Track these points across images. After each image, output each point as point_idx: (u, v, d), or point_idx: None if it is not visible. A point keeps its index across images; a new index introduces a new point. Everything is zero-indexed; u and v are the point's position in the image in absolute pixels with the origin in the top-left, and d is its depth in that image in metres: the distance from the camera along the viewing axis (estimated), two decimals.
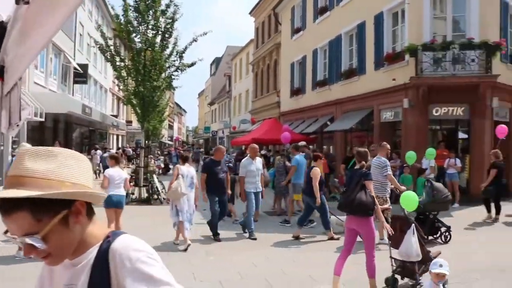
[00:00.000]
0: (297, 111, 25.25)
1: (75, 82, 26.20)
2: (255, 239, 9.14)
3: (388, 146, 9.47)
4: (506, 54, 15.07)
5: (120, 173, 8.31)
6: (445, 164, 13.71)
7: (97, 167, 23.57)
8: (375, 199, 5.94)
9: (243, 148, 25.32)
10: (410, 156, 12.45)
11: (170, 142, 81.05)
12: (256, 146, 10.11)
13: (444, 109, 14.68)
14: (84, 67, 26.17)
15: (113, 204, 8.02)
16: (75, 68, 25.28)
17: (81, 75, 26.04)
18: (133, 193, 14.76)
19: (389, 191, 8.72)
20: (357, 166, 6.35)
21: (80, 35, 28.08)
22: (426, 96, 14.34)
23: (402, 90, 15.23)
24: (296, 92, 25.68)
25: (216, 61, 65.22)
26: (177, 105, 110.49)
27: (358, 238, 6.04)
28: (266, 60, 32.69)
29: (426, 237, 8.22)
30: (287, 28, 27.39)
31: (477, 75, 13.80)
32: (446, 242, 8.93)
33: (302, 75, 24.89)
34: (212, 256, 7.79)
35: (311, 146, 21.49)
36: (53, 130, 23.33)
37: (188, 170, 8.82)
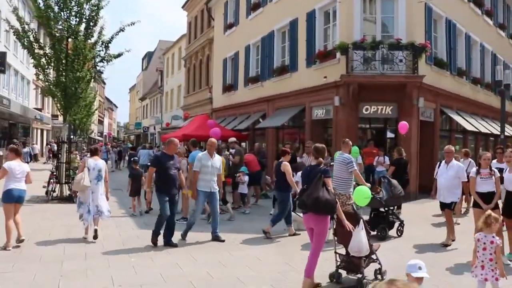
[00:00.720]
0: (230, 108, 24.89)
1: None
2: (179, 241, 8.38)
3: (351, 142, 9.87)
4: (431, 56, 15.55)
5: (22, 166, 8.00)
6: (374, 162, 13.89)
7: None
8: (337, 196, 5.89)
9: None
10: (354, 151, 12.28)
11: (100, 138, 78.08)
12: (215, 141, 9.11)
13: (374, 108, 14.91)
14: (2, 55, 24.29)
15: (13, 199, 7.76)
16: None
17: None
18: (54, 191, 13.79)
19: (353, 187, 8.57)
20: (313, 162, 6.10)
21: (9, 25, 26.12)
22: (356, 94, 14.46)
23: (333, 88, 15.30)
24: (229, 88, 25.30)
25: (148, 56, 63.61)
26: (108, 100, 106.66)
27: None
28: (198, 56, 32.04)
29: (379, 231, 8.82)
30: (220, 23, 26.93)
31: (405, 75, 14.11)
32: (400, 235, 9.25)
33: (235, 71, 24.56)
34: (134, 258, 7.23)
35: (243, 143, 21.30)
36: None
37: (96, 163, 8.75)
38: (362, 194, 7.45)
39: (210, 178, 8.64)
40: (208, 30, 29.84)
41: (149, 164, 11.91)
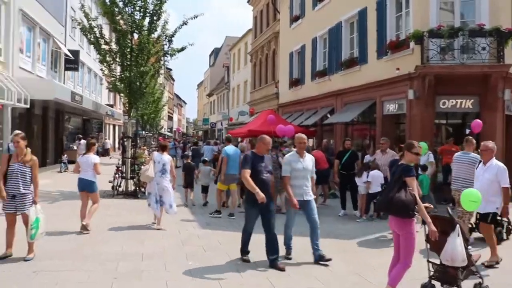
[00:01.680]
0: (296, 103, 24.30)
1: (66, 69, 25.23)
2: (290, 258, 7.17)
3: (474, 141, 8.67)
4: None
5: (88, 158, 8.92)
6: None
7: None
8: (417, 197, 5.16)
9: (239, 140, 24.42)
10: (424, 147, 11.34)
11: (169, 134, 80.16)
12: (304, 136, 7.36)
13: (452, 102, 13.70)
14: (75, 53, 25.18)
15: (79, 188, 8.87)
16: (65, 54, 24.29)
17: (72, 62, 25.07)
18: (119, 186, 13.95)
19: None
20: (403, 161, 5.45)
21: (72, 20, 27.05)
22: (432, 87, 13.35)
23: (406, 81, 14.25)
24: (295, 82, 24.68)
25: (215, 52, 64.23)
26: (177, 96, 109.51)
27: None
28: (264, 50, 31.65)
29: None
30: (286, 16, 26.34)
31: (488, 64, 12.80)
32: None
33: (301, 65, 23.89)
34: (192, 261, 6.87)
35: (310, 140, 20.62)
36: (42, 118, 22.36)
37: (161, 157, 9.48)
38: (469, 197, 6.14)
39: (302, 183, 6.98)
40: (273, 23, 29.36)
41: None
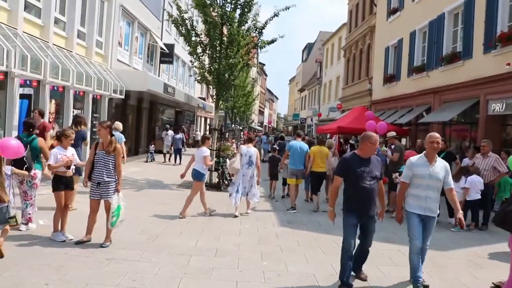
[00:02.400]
0: (390, 100, 23.06)
1: (161, 62, 26.10)
2: None
3: None
4: None
5: (199, 151, 9.59)
6: None
7: (168, 149, 22.49)
8: None
9: (328, 136, 23.81)
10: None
11: (260, 128, 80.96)
12: (437, 135, 5.81)
13: None
14: (170, 47, 25.96)
15: (192, 177, 9.59)
16: (161, 48, 25.13)
17: (167, 55, 25.89)
18: None
19: None
20: None
21: (165, 12, 28.02)
22: None
23: None
24: (390, 79, 23.43)
25: (308, 47, 63.59)
26: (269, 91, 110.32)
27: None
28: (358, 45, 30.50)
29: None
30: (383, 9, 25.07)
31: None
32: None
33: (397, 60, 22.59)
34: (266, 262, 6.49)
35: (403, 139, 19.48)
36: (137, 109, 23.31)
37: (248, 149, 10.00)
38: None
39: (425, 194, 5.62)
40: (369, 17, 28.15)
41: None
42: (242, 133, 42.06)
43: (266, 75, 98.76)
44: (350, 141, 24.56)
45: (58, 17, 14.29)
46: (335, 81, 39.96)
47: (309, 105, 54.47)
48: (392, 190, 11.24)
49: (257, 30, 14.16)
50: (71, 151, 6.96)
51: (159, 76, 25.30)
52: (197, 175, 9.44)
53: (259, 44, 14.26)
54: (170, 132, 22.45)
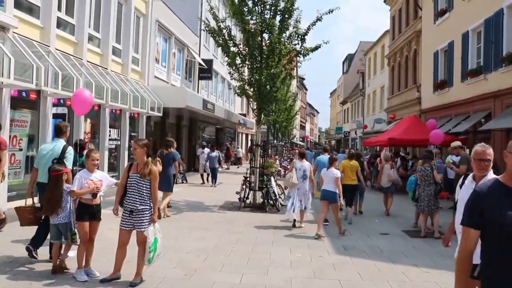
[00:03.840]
0: (442, 108, 21.52)
1: (200, 78, 25.60)
2: None
3: None
4: None
5: (332, 172, 9.70)
6: None
7: (204, 169, 20.24)
8: None
9: (377, 149, 22.46)
10: None
11: (301, 143, 79.75)
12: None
13: None
14: (209, 62, 25.47)
15: (322, 197, 9.77)
16: (199, 64, 24.63)
17: (206, 71, 25.37)
18: (247, 197, 13.06)
19: None
20: None
21: (206, 25, 27.62)
22: None
23: None
24: (441, 85, 21.91)
25: (349, 58, 62.26)
26: (309, 105, 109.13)
27: None
28: (404, 52, 29.06)
29: None
30: (429, 11, 23.66)
31: None
32: None
33: (449, 64, 21.08)
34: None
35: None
36: (176, 126, 22.76)
37: (302, 164, 10.49)
38: None
39: None
40: (414, 22, 26.74)
41: None
42: (284, 149, 41.17)
43: (306, 89, 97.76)
44: (401, 153, 23.14)
45: (92, 33, 13.91)
46: (379, 91, 38.45)
47: (353, 117, 52.90)
48: None
49: (299, 36, 13.23)
50: (99, 175, 6.10)
51: (198, 92, 24.79)
52: (332, 196, 9.49)
53: (302, 52, 13.27)
54: (207, 150, 20.41)
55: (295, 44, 13.54)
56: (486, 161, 4.04)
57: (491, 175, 3.89)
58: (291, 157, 31.36)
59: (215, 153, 19.87)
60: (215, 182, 19.09)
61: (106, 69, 14.36)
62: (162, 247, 5.87)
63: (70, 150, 6.49)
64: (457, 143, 10.75)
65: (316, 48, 13.30)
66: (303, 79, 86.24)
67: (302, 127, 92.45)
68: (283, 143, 43.83)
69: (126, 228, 5.70)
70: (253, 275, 6.37)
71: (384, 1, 33.36)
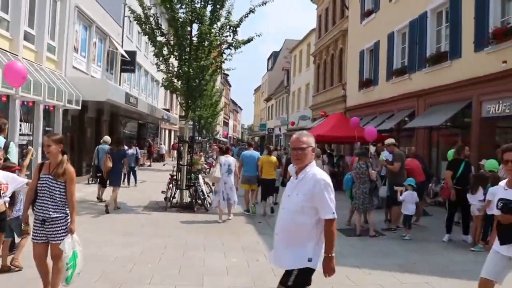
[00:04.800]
0: (367, 106, 21.96)
1: (122, 70, 24.16)
2: None
3: None
4: None
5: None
6: None
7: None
8: None
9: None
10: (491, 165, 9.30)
11: (225, 139, 79.30)
12: None
13: None
14: (132, 54, 24.12)
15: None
16: (122, 55, 23.25)
17: (129, 63, 23.98)
18: (173, 197, 12.26)
19: None
20: None
21: (130, 21, 26.11)
22: None
23: None
24: (366, 83, 22.38)
25: (274, 55, 62.64)
26: (233, 102, 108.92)
27: None
28: (330, 50, 29.47)
29: None
30: (356, 11, 24.08)
31: None
32: None
33: (374, 64, 21.55)
34: None
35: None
36: (96, 121, 21.26)
37: (226, 159, 10.84)
38: None
39: None
40: (341, 21, 27.15)
41: None
42: (208, 145, 40.42)
43: (230, 86, 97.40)
44: (327, 150, 23.40)
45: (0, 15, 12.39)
46: (304, 89, 38.90)
47: (277, 114, 53.27)
48: (394, 205, 9.91)
49: (231, 28, 12.66)
50: (2, 176, 5.11)
51: (120, 85, 23.38)
52: None
53: (233, 44, 12.70)
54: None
55: (226, 36, 12.94)
56: (300, 150, 3.62)
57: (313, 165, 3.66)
58: (216, 154, 30.83)
59: (132, 150, 17.69)
60: (135, 182, 17.39)
61: (16, 55, 12.85)
62: (83, 261, 4.90)
63: (12, 146, 6.09)
64: (391, 140, 10.71)
65: (249, 40, 12.81)
66: (227, 75, 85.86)
67: (226, 124, 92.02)
68: (207, 140, 43.03)
69: (39, 241, 4.69)
70: (187, 286, 5.73)
71: (311, 0, 33.65)
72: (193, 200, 12.05)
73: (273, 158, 12.22)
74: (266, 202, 11.91)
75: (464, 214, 8.78)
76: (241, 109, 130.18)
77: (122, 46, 23.91)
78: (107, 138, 14.14)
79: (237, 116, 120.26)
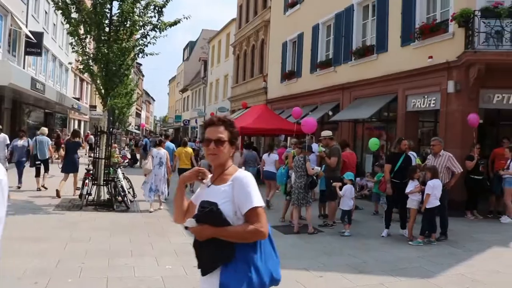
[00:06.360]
0: (290, 98, 21.76)
1: (26, 53, 21.82)
2: None
3: None
4: None
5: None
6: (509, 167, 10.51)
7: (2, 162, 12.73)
8: None
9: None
10: (374, 143, 12.12)
11: (137, 131, 76.35)
12: None
13: (498, 96, 11.50)
14: (38, 36, 21.86)
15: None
16: (26, 36, 20.98)
17: (34, 45, 21.69)
18: (89, 194, 10.95)
19: None
20: None
21: None
22: (479, 79, 11.08)
23: (443, 71, 11.98)
24: (289, 75, 22.18)
25: (190, 45, 61.13)
26: (146, 92, 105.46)
27: None
28: (251, 41, 29.01)
29: None
30: (279, 2, 23.79)
31: None
32: None
33: (297, 56, 21.38)
34: None
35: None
36: None
37: (158, 152, 11.00)
38: None
39: None
40: (263, 11, 26.76)
41: None
42: (122, 137, 38.41)
43: (143, 75, 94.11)
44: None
45: None
46: (223, 80, 38.19)
47: (193, 106, 52.03)
48: (331, 200, 9.58)
49: (156, 8, 11.61)
50: None
51: (24, 69, 21.13)
52: (272, 177, 11.59)
53: (159, 26, 11.66)
54: (3, 136, 13.13)
55: (150, 17, 11.85)
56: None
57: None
58: (133, 147, 29.24)
59: (23, 142, 13.45)
60: (19, 181, 13.19)
61: None
62: None
63: None
64: (327, 132, 10.34)
65: (176, 23, 11.82)
66: (140, 64, 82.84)
67: (138, 115, 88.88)
68: (120, 131, 40.83)
69: None
70: None
71: None
72: (113, 198, 10.89)
73: (189, 149, 13.27)
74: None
75: (402, 208, 8.62)
76: (154, 100, 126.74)
77: (26, 26, 21.63)
78: (44, 130, 14.28)
79: (149, 107, 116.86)
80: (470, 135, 11.22)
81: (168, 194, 11.53)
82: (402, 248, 7.73)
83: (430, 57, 12.34)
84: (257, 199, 2.47)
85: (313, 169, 9.02)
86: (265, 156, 12.68)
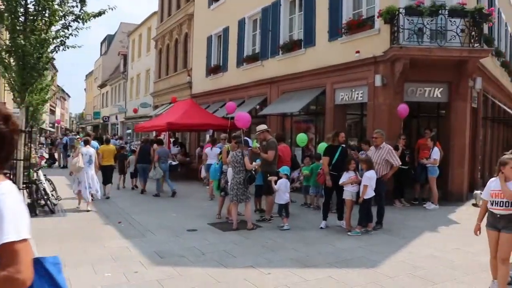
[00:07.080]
0: (216, 92, 21.54)
1: None
2: None
3: None
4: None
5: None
6: (430, 156, 11.08)
7: None
8: None
9: (154, 135, 21.32)
10: (301, 139, 12.30)
11: (51, 129, 72.18)
12: None
13: (421, 90, 12.07)
14: None
15: None
16: None
17: None
18: None
19: None
20: None
21: None
22: (403, 73, 11.54)
23: (369, 65, 12.35)
24: (214, 70, 21.94)
25: (108, 39, 58.74)
26: (60, 88, 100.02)
27: None
28: (173, 35, 28.32)
29: None
30: None
31: (468, 48, 11.25)
32: None
33: (223, 50, 21.17)
34: None
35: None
36: None
37: (87, 150, 11.09)
38: None
39: None
40: (186, 4, 26.17)
41: None
42: (38, 136, 36.02)
43: (56, 70, 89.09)
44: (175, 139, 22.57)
45: None
46: (144, 75, 37.02)
47: (113, 101, 50.04)
48: (268, 194, 9.52)
49: None
50: None
51: None
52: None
53: (81, 17, 10.89)
54: None
55: (72, 7, 11.04)
56: None
57: None
58: (50, 146, 27.58)
59: None
60: None
61: None
62: None
63: None
64: (263, 126, 10.25)
65: (100, 13, 11.09)
66: (54, 58, 78.26)
67: (52, 112, 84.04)
68: (35, 129, 38.20)
69: None
70: None
71: None
72: (34, 202, 10.06)
73: (112, 147, 14.26)
74: (106, 187, 12.63)
75: (340, 200, 8.75)
76: (69, 97, 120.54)
77: None
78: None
79: (65, 104, 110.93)
80: (396, 127, 11.73)
81: (104, 193, 12.28)
82: (342, 239, 7.84)
83: (357, 52, 12.67)
84: (13, 229, 1.74)
85: (254, 163, 8.90)
86: (207, 149, 13.54)
